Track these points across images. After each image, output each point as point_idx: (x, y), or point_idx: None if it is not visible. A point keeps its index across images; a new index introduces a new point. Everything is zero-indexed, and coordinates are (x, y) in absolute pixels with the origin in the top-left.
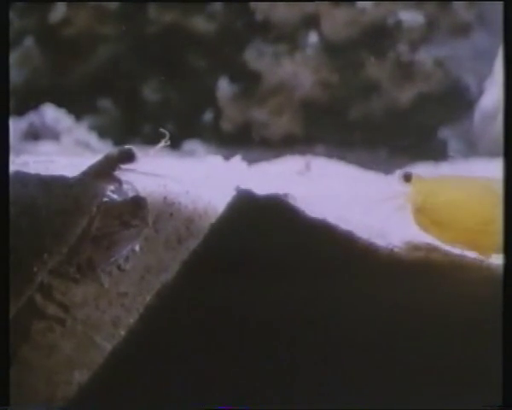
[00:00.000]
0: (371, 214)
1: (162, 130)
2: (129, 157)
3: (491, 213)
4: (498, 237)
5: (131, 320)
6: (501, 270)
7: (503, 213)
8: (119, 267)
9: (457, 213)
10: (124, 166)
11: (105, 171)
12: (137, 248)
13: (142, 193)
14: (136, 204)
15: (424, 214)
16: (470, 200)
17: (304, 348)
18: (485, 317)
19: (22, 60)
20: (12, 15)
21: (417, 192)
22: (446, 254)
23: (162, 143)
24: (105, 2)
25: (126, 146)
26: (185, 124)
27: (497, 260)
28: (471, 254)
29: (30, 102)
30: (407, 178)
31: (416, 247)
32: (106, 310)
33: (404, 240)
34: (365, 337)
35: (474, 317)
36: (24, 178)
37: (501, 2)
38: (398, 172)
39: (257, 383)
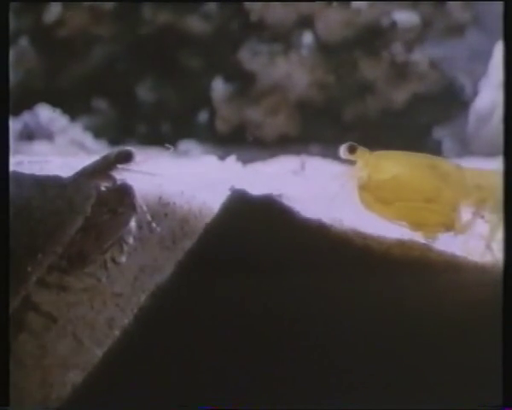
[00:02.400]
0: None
1: (168, 145)
2: (126, 157)
3: (434, 192)
4: (442, 215)
5: (126, 321)
6: (498, 270)
7: (504, 213)
8: (113, 260)
9: (401, 191)
10: (120, 166)
11: (101, 170)
12: (131, 240)
13: (138, 192)
14: (122, 191)
15: (368, 191)
16: (413, 177)
17: (300, 348)
18: (484, 316)
19: (17, 60)
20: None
21: (362, 168)
22: (442, 253)
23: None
24: (99, 3)
25: (125, 147)
26: (180, 124)
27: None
28: (416, 235)
29: (25, 103)
30: (352, 149)
31: (411, 247)
32: (101, 310)
33: (398, 238)
34: (363, 337)
35: (474, 316)
36: (18, 178)
37: (499, 3)
38: (344, 145)
39: (252, 383)
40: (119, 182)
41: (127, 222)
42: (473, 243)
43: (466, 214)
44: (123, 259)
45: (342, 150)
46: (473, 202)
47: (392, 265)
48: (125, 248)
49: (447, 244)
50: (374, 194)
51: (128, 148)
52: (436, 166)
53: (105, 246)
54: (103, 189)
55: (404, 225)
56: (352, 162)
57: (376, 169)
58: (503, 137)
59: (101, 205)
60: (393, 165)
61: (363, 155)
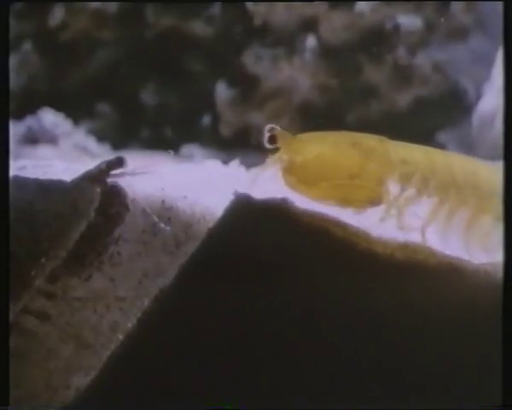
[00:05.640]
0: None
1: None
2: (119, 163)
3: (358, 168)
4: (368, 190)
5: (129, 325)
6: (499, 272)
7: (504, 214)
8: (111, 257)
9: (324, 170)
10: (115, 172)
11: (93, 178)
12: (126, 235)
13: (141, 196)
14: (112, 193)
15: (292, 173)
16: (336, 156)
17: (303, 352)
18: (485, 318)
19: (20, 64)
20: (10, 19)
21: (283, 152)
22: (445, 257)
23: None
24: (103, 7)
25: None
26: (183, 128)
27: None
28: (344, 210)
29: (28, 107)
30: (271, 139)
31: (415, 250)
32: (104, 314)
33: (402, 242)
34: (365, 339)
35: (474, 318)
36: (22, 182)
37: (500, 3)
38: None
39: (256, 386)
40: (109, 184)
41: (121, 221)
42: (409, 220)
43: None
44: (122, 259)
45: (265, 140)
46: (398, 176)
47: (396, 268)
48: (123, 246)
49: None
50: (297, 176)
51: (119, 155)
52: (358, 143)
53: (100, 248)
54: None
55: (331, 204)
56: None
57: (298, 152)
58: (503, 140)
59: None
60: (315, 146)
61: (284, 139)
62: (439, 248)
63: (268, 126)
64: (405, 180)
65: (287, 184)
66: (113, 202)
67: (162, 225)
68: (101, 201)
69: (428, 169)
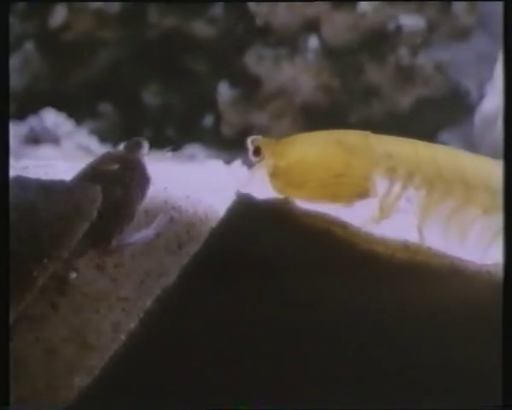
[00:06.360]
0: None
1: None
2: (137, 146)
3: (343, 166)
4: (355, 186)
5: (132, 325)
6: (500, 272)
7: (504, 214)
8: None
9: (310, 171)
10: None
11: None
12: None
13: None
14: (129, 164)
15: (278, 178)
16: (320, 156)
17: (305, 352)
18: (485, 318)
19: (23, 64)
20: (12, 20)
21: (268, 157)
22: (446, 258)
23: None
24: (105, 7)
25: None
26: (186, 128)
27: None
28: (331, 207)
29: (30, 107)
30: (256, 150)
31: (416, 251)
32: (106, 315)
33: (404, 243)
34: (366, 339)
35: (474, 318)
36: (24, 182)
37: (500, 3)
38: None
39: (258, 387)
40: (127, 158)
41: (143, 193)
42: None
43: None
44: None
45: (250, 154)
46: (384, 170)
47: (397, 269)
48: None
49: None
50: (283, 180)
51: (136, 138)
52: (342, 141)
53: (128, 222)
54: (113, 169)
55: (319, 202)
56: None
57: (282, 155)
58: (503, 140)
59: (113, 184)
60: (298, 148)
61: (268, 146)
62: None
63: (250, 138)
64: (391, 173)
65: (274, 189)
66: (133, 175)
67: (175, 212)
68: (121, 175)
69: (413, 162)
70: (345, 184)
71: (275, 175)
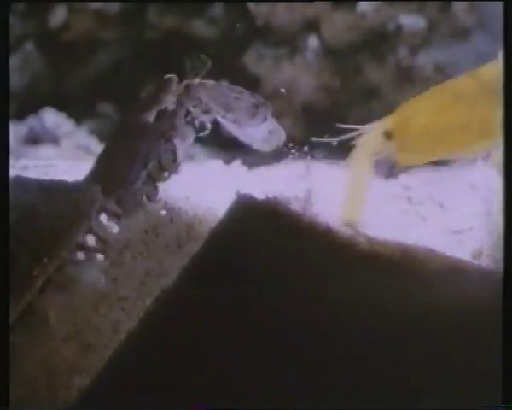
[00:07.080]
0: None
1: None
2: (168, 83)
3: (464, 119)
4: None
5: (131, 325)
6: (500, 272)
7: (504, 215)
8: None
9: (436, 134)
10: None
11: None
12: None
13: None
14: (168, 119)
15: (406, 150)
16: (442, 120)
17: (304, 352)
18: (484, 318)
19: (22, 64)
20: (12, 19)
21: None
22: (446, 258)
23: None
24: (105, 7)
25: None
26: None
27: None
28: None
29: (30, 107)
30: (387, 134)
31: (415, 251)
32: (106, 314)
33: (403, 243)
34: (366, 339)
35: (474, 318)
36: (24, 182)
37: (500, 3)
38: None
39: (258, 387)
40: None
41: (185, 141)
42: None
43: None
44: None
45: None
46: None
47: (397, 269)
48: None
49: None
50: (412, 149)
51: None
52: (459, 96)
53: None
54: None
55: (444, 157)
56: None
57: (407, 130)
58: (504, 140)
59: (157, 138)
60: (418, 115)
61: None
62: None
63: (370, 125)
64: None
65: (405, 162)
66: (172, 128)
67: (153, 235)
68: (162, 128)
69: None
70: (471, 131)
71: (403, 149)
